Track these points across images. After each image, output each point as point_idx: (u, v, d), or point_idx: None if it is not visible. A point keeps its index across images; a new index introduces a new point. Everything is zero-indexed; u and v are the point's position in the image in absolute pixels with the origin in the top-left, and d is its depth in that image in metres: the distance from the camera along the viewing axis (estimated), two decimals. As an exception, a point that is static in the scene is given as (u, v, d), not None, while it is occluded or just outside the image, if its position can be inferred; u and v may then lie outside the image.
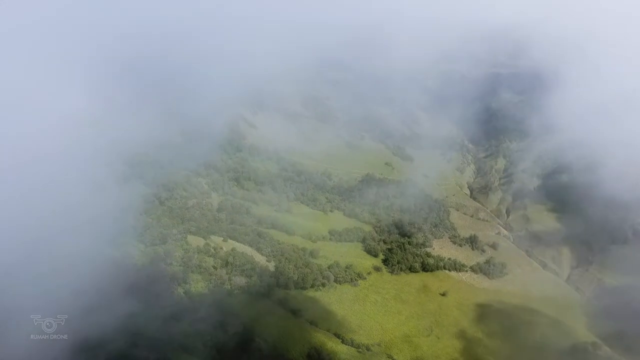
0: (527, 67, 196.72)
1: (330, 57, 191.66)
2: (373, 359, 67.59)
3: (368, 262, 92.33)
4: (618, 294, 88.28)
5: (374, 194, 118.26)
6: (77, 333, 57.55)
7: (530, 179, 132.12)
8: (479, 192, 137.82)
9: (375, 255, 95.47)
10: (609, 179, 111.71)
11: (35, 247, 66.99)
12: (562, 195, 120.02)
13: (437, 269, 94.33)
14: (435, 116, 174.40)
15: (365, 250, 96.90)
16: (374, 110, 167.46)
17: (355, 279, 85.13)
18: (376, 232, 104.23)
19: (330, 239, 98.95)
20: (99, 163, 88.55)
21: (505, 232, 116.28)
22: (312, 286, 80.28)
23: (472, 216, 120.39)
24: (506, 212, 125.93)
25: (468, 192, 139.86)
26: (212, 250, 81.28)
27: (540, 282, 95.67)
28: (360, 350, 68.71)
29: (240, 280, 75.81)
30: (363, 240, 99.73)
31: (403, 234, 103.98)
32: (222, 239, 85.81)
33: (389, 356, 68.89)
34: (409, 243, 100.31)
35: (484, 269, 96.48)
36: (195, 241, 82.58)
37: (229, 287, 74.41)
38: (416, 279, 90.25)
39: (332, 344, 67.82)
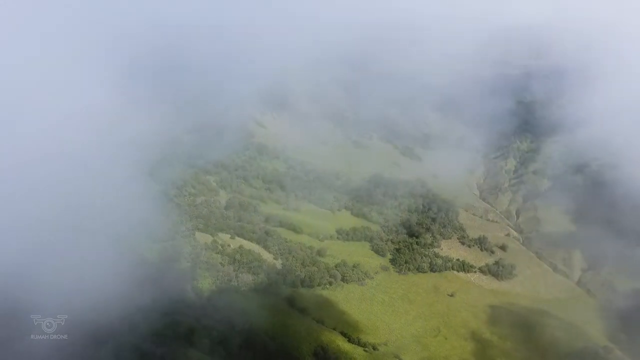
0: (539, 68, 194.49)
1: (340, 56, 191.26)
2: (380, 358, 67.09)
3: (375, 262, 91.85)
4: (630, 297, 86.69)
5: (382, 194, 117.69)
6: (84, 328, 58.01)
7: (541, 180, 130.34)
8: (488, 192, 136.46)
9: (383, 255, 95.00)
10: (623, 181, 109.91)
11: (42, 243, 67.72)
12: (574, 197, 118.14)
13: (445, 270, 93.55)
14: (445, 116, 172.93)
15: (372, 250, 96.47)
16: (383, 110, 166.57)
17: (363, 278, 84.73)
18: (384, 231, 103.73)
19: (338, 238, 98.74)
20: (108, 159, 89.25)
21: (515, 233, 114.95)
22: (319, 285, 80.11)
23: (481, 217, 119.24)
24: (516, 213, 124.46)
25: (477, 192, 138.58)
26: (220, 247, 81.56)
27: (550, 284, 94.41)
28: (367, 349, 68.27)
29: (247, 278, 75.90)
30: (371, 240, 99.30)
31: (411, 234, 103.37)
32: (229, 236, 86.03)
33: (396, 356, 68.36)
34: (417, 243, 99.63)
35: (493, 270, 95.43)
36: (203, 238, 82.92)
37: (236, 284, 74.50)
38: (424, 280, 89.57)
39: (339, 343, 67.51)
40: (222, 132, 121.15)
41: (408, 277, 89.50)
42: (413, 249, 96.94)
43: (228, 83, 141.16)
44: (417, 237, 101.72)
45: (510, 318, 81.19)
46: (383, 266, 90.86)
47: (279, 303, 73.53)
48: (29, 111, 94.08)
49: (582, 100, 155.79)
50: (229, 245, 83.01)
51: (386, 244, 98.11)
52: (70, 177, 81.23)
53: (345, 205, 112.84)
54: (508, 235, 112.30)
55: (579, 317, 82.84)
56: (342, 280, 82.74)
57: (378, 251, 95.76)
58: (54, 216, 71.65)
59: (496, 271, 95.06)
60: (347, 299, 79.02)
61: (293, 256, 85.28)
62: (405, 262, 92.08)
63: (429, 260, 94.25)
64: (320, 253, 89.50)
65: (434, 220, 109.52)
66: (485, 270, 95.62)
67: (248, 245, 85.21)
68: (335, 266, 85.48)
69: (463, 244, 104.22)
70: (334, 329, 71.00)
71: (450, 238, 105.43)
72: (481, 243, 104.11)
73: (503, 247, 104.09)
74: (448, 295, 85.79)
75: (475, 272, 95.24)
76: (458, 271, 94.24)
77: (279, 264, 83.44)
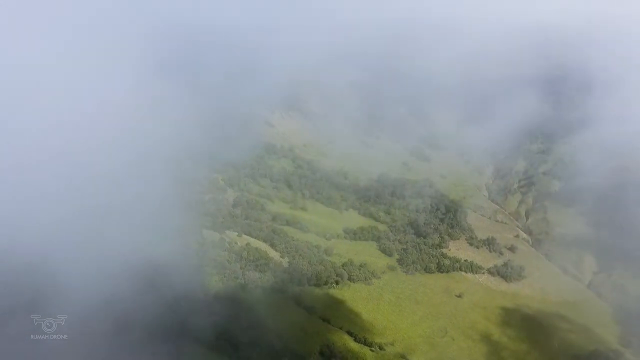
0: (550, 68, 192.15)
1: (351, 56, 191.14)
2: (386, 358, 66.70)
3: (383, 262, 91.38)
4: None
5: (390, 194, 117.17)
6: (92, 324, 58.48)
7: (552, 181, 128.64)
8: (497, 194, 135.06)
9: (390, 255, 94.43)
10: (636, 183, 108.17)
11: (56, 239, 68.57)
12: (584, 199, 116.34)
13: (453, 271, 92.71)
14: (454, 117, 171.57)
15: (380, 250, 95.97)
16: (391, 110, 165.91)
17: (370, 278, 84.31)
18: (391, 231, 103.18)
19: (345, 237, 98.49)
20: (119, 156, 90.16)
21: (525, 235, 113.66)
22: (325, 283, 79.89)
23: (489, 218, 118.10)
24: (525, 214, 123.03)
25: (486, 193, 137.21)
26: (227, 245, 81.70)
27: (560, 286, 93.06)
28: (373, 349, 67.94)
29: (253, 275, 75.98)
30: (378, 240, 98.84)
31: (419, 234, 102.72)
32: (236, 234, 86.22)
33: (403, 356, 67.88)
34: (425, 243, 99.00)
35: (502, 272, 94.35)
36: (210, 236, 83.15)
37: (243, 281, 74.64)
38: (431, 280, 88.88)
39: (345, 342, 67.31)
40: (232, 131, 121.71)
41: (415, 277, 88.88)
42: (421, 249, 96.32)
43: (241, 82, 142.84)
44: (424, 238, 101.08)
45: (519, 320, 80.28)
46: (390, 266, 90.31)
47: (285, 301, 73.52)
48: (54, 106, 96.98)
49: (593, 102, 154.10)
50: (236, 243, 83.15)
51: (393, 243, 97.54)
52: (80, 174, 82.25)
53: (353, 204, 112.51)
54: (517, 236, 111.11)
55: (590, 320, 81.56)
56: (349, 279, 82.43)
57: (385, 251, 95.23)
58: (67, 212, 72.62)
59: (505, 273, 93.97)
60: (354, 299, 78.70)
61: (300, 255, 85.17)
62: (413, 263, 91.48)
63: (437, 260, 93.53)
64: (327, 252, 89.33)
65: (442, 220, 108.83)
66: (493, 272, 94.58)
67: (255, 243, 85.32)
68: (342, 265, 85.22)
69: (471, 244, 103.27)
70: (341, 328, 70.70)
71: (458, 239, 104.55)
72: (490, 244, 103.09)
73: (512, 249, 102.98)
74: (456, 296, 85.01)
75: (483, 273, 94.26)
76: (466, 272, 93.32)
77: (285, 262, 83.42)
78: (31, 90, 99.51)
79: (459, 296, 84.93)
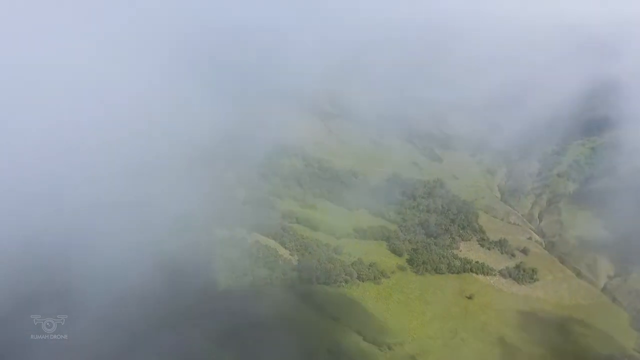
0: (565, 69, 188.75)
1: (365, 55, 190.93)
2: (395, 358, 66.19)
3: (392, 261, 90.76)
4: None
5: (401, 194, 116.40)
6: (104, 319, 59.29)
7: (566, 183, 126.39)
8: (510, 195, 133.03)
9: (400, 255, 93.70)
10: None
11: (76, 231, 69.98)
12: (600, 201, 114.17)
13: (464, 272, 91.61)
14: (466, 117, 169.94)
15: (389, 249, 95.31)
16: (403, 110, 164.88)
17: (379, 277, 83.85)
18: (401, 231, 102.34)
19: (355, 236, 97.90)
20: (137, 150, 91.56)
21: (537, 237, 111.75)
22: (334, 282, 79.64)
23: (502, 219, 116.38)
24: (539, 216, 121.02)
25: (499, 194, 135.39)
26: (237, 241, 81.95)
27: (573, 290, 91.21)
28: (382, 348, 67.58)
29: (263, 272, 76.11)
30: (388, 239, 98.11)
31: (429, 235, 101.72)
32: (246, 231, 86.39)
33: (411, 356, 67.37)
34: (435, 244, 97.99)
35: (513, 274, 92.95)
36: (220, 232, 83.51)
37: (252, 278, 74.77)
38: (441, 281, 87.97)
39: (354, 341, 67.05)
40: (245, 129, 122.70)
41: (425, 277, 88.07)
42: (431, 250, 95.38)
43: (257, 81, 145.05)
44: (435, 238, 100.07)
45: (532, 322, 78.93)
46: (400, 266, 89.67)
47: (294, 299, 73.50)
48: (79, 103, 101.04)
49: (612, 102, 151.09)
50: (245, 240, 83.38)
51: (403, 243, 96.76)
52: (96, 168, 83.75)
53: (363, 203, 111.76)
54: (530, 238, 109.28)
55: (604, 324, 79.87)
56: (358, 278, 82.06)
57: (395, 251, 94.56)
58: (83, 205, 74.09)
59: (517, 275, 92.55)
60: (363, 298, 78.32)
61: (309, 253, 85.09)
62: (423, 263, 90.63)
63: (447, 261, 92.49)
64: (336, 251, 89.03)
65: (453, 221, 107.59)
66: (505, 274, 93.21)
67: (265, 240, 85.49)
68: (352, 264, 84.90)
69: (483, 246, 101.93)
70: (349, 327, 70.38)
71: (469, 240, 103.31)
72: (501, 246, 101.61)
73: (524, 251, 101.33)
74: (466, 297, 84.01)
75: (494, 275, 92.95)
76: (477, 273, 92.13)
77: (295, 260, 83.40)
78: (59, 88, 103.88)
79: (470, 297, 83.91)
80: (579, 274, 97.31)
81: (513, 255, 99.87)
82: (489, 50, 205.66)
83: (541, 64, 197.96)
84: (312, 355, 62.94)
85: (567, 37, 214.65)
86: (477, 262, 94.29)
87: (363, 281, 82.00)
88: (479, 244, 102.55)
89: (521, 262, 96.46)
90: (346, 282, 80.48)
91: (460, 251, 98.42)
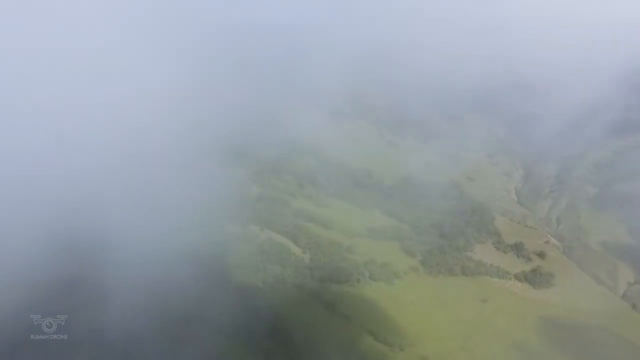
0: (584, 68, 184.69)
1: (380, 54, 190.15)
2: (406, 359, 65.30)
3: (405, 262, 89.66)
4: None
5: (415, 194, 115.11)
6: (116, 315, 59.89)
7: (585, 186, 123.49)
8: (527, 198, 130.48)
9: (413, 256, 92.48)
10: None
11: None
12: (621, 206, 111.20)
13: (478, 274, 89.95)
14: (482, 118, 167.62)
15: (402, 250, 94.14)
16: (419, 110, 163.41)
17: (391, 278, 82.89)
18: (415, 232, 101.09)
19: (368, 236, 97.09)
20: (152, 142, 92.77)
21: (555, 241, 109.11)
22: (346, 281, 79.01)
23: (518, 223, 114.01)
24: (557, 220, 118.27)
25: (515, 197, 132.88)
26: (249, 238, 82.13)
27: (591, 295, 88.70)
28: (393, 349, 66.69)
29: (274, 269, 76.03)
30: (401, 240, 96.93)
31: (443, 236, 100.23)
32: (259, 228, 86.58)
33: (423, 358, 66.31)
34: (449, 246, 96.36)
35: (530, 278, 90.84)
36: (233, 228, 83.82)
37: (264, 274, 74.77)
38: (455, 283, 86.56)
39: (365, 340, 66.39)
40: (260, 126, 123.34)
41: (439, 279, 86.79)
42: (445, 251, 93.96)
43: (274, 79, 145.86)
44: (449, 240, 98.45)
45: (547, 327, 77.03)
46: (413, 267, 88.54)
47: (305, 297, 73.18)
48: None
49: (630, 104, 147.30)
50: (258, 237, 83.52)
51: (417, 244, 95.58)
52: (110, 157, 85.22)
53: (377, 203, 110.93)
54: (547, 242, 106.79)
55: (624, 330, 77.48)
56: (370, 278, 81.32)
57: (408, 251, 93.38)
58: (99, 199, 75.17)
59: (533, 279, 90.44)
60: (375, 298, 77.47)
61: (322, 251, 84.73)
62: (436, 264, 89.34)
63: (461, 263, 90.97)
64: (349, 250, 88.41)
65: (467, 223, 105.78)
66: (521, 278, 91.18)
67: (277, 237, 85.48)
68: (364, 264, 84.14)
69: (498, 249, 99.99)
70: (360, 326, 69.75)
71: (484, 242, 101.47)
72: (518, 249, 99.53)
73: (541, 255, 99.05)
74: (480, 300, 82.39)
75: (510, 278, 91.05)
76: (492, 277, 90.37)
77: (307, 258, 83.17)
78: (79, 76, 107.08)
79: (484, 301, 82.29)
80: (597, 280, 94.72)
81: (529, 259, 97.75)
82: (503, 52, 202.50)
83: (563, 66, 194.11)
84: (322, 353, 62.52)
85: (589, 37, 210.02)
86: (492, 265, 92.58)
87: (375, 281, 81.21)
88: (494, 246, 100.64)
89: (538, 266, 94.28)
90: (358, 281, 79.81)
91: (475, 254, 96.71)
